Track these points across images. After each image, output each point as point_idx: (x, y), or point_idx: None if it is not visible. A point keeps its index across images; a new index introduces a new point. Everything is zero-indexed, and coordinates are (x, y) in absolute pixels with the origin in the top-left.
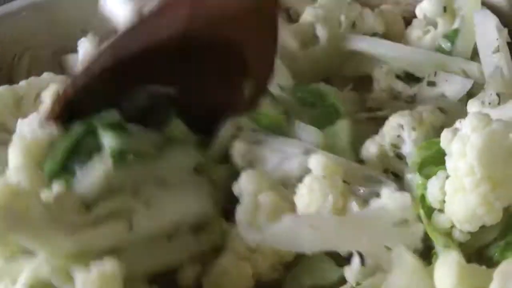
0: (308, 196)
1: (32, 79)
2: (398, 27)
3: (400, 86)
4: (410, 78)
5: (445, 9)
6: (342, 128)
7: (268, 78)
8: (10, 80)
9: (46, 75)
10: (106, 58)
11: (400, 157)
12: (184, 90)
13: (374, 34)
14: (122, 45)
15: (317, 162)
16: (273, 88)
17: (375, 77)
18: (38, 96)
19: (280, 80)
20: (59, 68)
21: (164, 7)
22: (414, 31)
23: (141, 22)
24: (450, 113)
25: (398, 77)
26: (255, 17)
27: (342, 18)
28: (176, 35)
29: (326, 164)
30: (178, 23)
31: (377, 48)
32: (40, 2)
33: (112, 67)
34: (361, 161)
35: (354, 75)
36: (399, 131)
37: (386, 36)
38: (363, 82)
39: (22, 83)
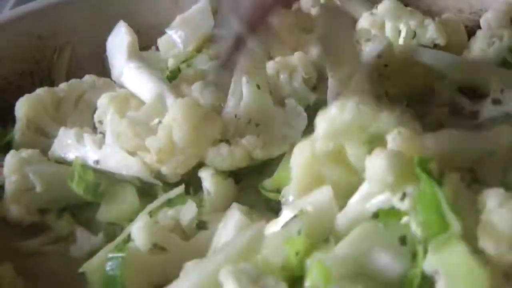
0: None
1: (73, 81)
2: (461, 38)
3: (463, 101)
4: (471, 92)
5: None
6: None
7: None
8: (49, 75)
9: (88, 77)
10: None
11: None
12: None
13: (434, 46)
14: None
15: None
16: None
17: (436, 90)
18: (79, 99)
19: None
20: (101, 65)
21: None
22: (478, 43)
23: None
24: None
25: (460, 91)
26: None
27: (402, 26)
28: None
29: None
30: None
31: (438, 62)
32: None
33: None
34: None
35: (410, 89)
36: None
37: (447, 46)
38: (419, 95)
39: (63, 85)
